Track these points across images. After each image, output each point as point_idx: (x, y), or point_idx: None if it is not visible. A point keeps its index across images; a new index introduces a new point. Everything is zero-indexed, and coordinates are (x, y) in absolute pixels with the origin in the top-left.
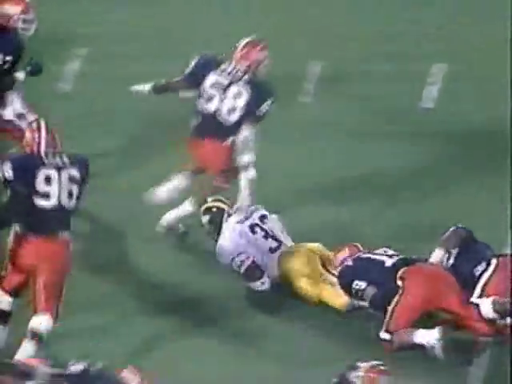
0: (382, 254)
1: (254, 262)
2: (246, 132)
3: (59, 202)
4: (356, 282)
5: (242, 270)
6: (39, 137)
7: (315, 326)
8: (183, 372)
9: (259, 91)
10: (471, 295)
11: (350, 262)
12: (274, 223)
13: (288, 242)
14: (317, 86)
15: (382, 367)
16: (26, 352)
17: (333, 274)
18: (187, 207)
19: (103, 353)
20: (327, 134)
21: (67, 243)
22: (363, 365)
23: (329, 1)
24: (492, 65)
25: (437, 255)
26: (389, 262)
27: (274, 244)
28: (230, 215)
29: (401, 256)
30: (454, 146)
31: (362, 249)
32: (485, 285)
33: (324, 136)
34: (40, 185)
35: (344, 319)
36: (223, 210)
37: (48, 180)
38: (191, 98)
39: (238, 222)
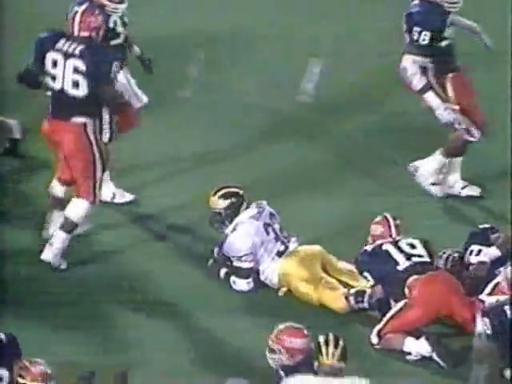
0: (403, 251)
1: (254, 267)
2: (402, 62)
3: (62, 88)
4: (366, 274)
5: (242, 265)
6: (74, 18)
7: (313, 326)
8: None
9: (411, 16)
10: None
11: (369, 248)
12: (278, 223)
13: (293, 244)
14: (315, 85)
15: (296, 328)
16: (58, 239)
17: (333, 277)
18: (438, 157)
19: None
20: (325, 133)
21: (80, 127)
22: (279, 327)
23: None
24: (492, 64)
25: (492, 254)
26: (402, 265)
27: (282, 248)
28: (247, 207)
29: (421, 259)
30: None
31: (393, 224)
32: (497, 284)
33: (323, 135)
34: (48, 66)
35: (342, 322)
36: (243, 198)
37: (55, 64)
38: None
39: (252, 217)
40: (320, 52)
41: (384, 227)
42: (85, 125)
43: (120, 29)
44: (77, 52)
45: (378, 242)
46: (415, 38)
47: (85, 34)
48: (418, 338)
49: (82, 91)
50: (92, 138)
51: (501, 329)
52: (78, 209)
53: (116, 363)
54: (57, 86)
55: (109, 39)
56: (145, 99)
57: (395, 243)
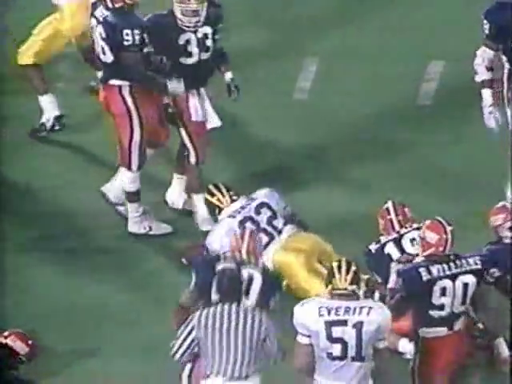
0: (405, 253)
1: None
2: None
3: (98, 54)
4: (373, 273)
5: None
6: None
7: None
8: None
9: None
10: None
11: (373, 249)
12: (271, 212)
13: (289, 230)
14: (313, 83)
15: None
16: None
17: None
18: None
19: None
20: (323, 130)
21: (115, 89)
22: None
23: None
24: None
25: None
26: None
27: (265, 239)
28: (220, 210)
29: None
30: (452, 142)
31: (394, 215)
32: None
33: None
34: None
35: None
36: (213, 205)
37: (92, 29)
38: None
39: (230, 216)
40: (317, 51)
41: (387, 217)
42: (120, 87)
43: (193, 49)
44: (102, 19)
45: (382, 240)
46: (483, 27)
47: (118, 3)
48: (411, 339)
49: (108, 57)
50: (130, 101)
51: (414, 291)
52: (123, 178)
53: None
54: (95, 53)
55: (177, 55)
56: (217, 123)
57: (398, 241)
